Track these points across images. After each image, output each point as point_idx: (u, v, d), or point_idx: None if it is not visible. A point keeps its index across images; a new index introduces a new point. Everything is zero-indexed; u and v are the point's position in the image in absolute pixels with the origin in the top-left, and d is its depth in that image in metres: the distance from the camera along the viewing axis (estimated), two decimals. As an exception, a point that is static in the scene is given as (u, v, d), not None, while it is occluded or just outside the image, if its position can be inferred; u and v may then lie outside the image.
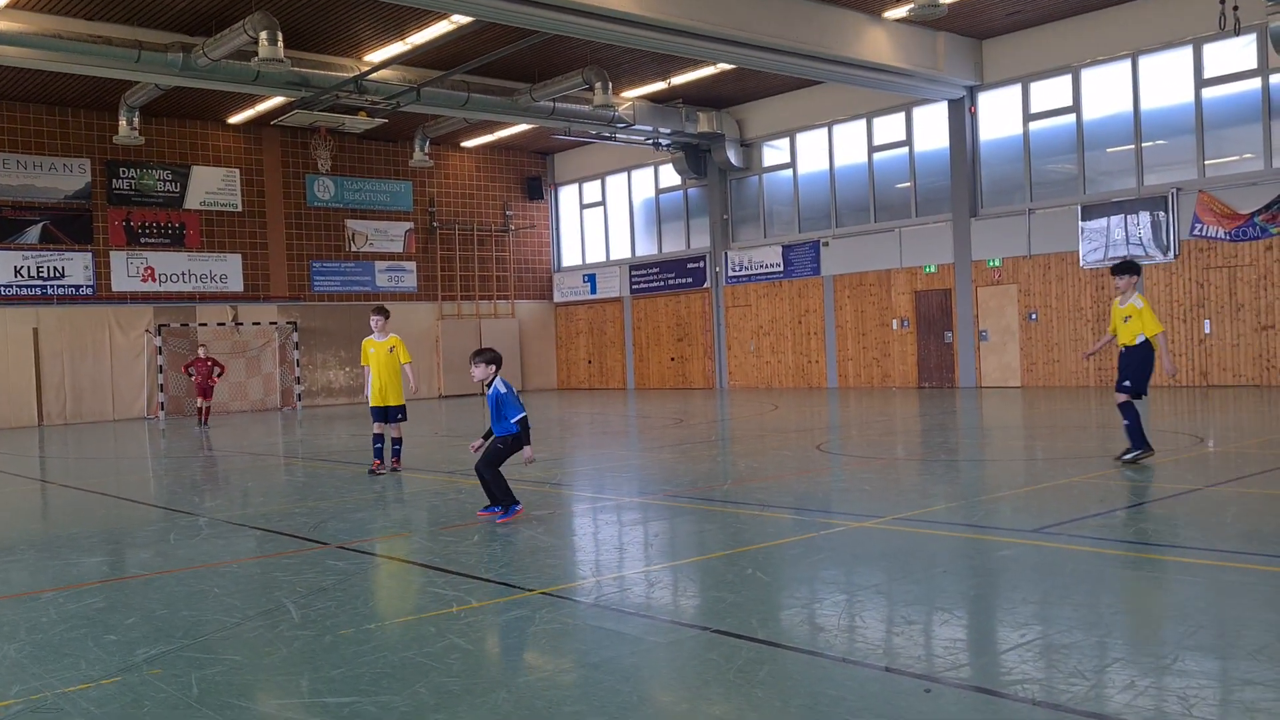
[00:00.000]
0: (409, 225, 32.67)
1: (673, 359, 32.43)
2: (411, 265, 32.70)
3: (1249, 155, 20.96)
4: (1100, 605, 5.28)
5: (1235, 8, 17.01)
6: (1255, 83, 20.65)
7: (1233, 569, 5.92)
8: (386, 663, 4.77)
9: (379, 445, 12.12)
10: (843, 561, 6.62)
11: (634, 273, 33.31)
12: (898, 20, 22.19)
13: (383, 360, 12.02)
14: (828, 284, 27.97)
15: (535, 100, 24.56)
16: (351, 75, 22.24)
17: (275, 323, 29.63)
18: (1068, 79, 23.28)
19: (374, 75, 22.50)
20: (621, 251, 34.13)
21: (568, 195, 35.80)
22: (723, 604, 5.65)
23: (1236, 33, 18.25)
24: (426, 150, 29.85)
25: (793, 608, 5.55)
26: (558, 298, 36.00)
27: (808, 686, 4.22)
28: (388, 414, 12.06)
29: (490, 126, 30.19)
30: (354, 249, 31.55)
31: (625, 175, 33.67)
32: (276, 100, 25.36)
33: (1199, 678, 4.13)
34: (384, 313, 12.29)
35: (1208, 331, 21.33)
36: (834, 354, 27.92)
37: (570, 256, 35.98)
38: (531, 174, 35.28)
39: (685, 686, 4.39)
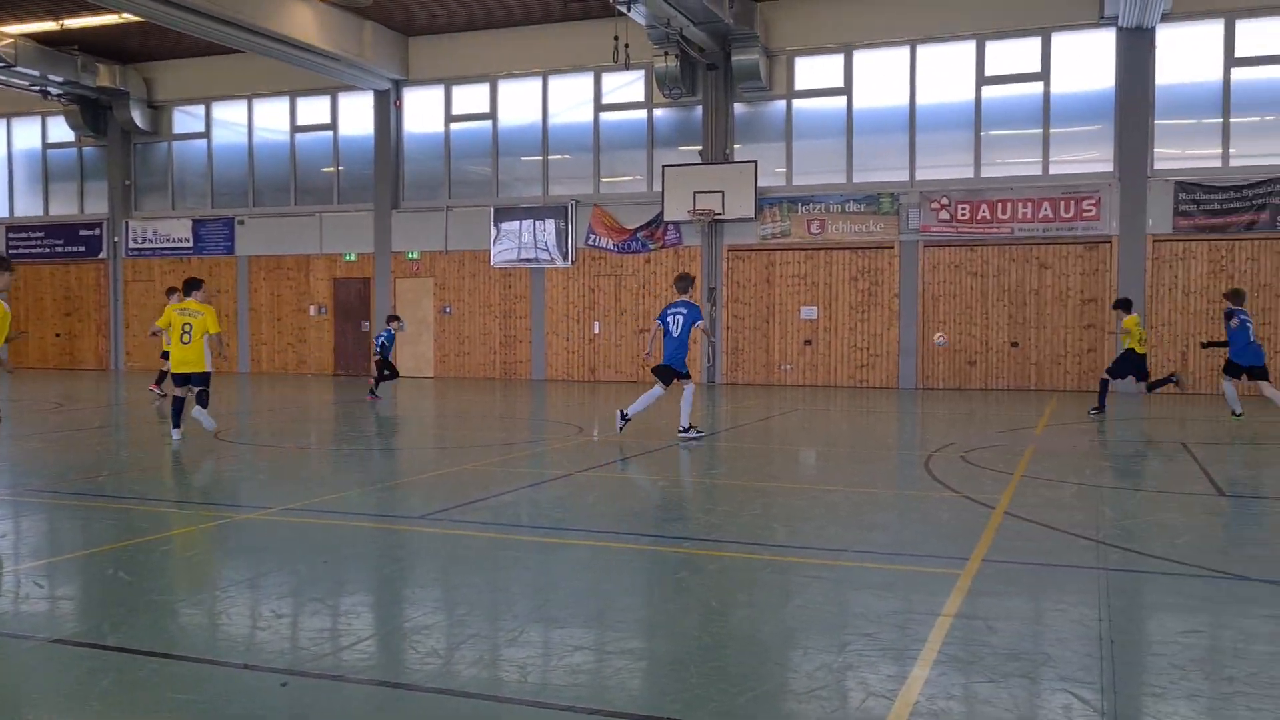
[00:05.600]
0: None
1: (58, 335, 28.90)
2: None
3: (637, 177, 23.69)
4: (466, 586, 5.60)
5: (626, 45, 19.10)
6: (643, 113, 23.39)
7: (583, 546, 6.60)
8: None
9: None
10: (220, 556, 6.33)
11: (12, 235, 29.13)
12: (325, 1, 21.83)
13: None
14: (242, 264, 26.73)
15: (-116, 19, 20.45)
16: None
17: None
18: (486, 87, 24.57)
19: None
20: (-1, 210, 29.71)
21: (-71, 138, 30.33)
22: (71, 610, 5.11)
23: (626, 67, 20.55)
24: None
25: (153, 610, 5.16)
26: (-89, 258, 30.32)
27: (157, 692, 3.94)
28: None
29: None
30: None
31: (4, 122, 29.34)
32: None
33: (538, 647, 4.52)
34: None
35: (597, 332, 23.73)
36: (247, 337, 26.75)
37: (-70, 210, 30.55)
38: (-121, 106, 29.36)
39: None
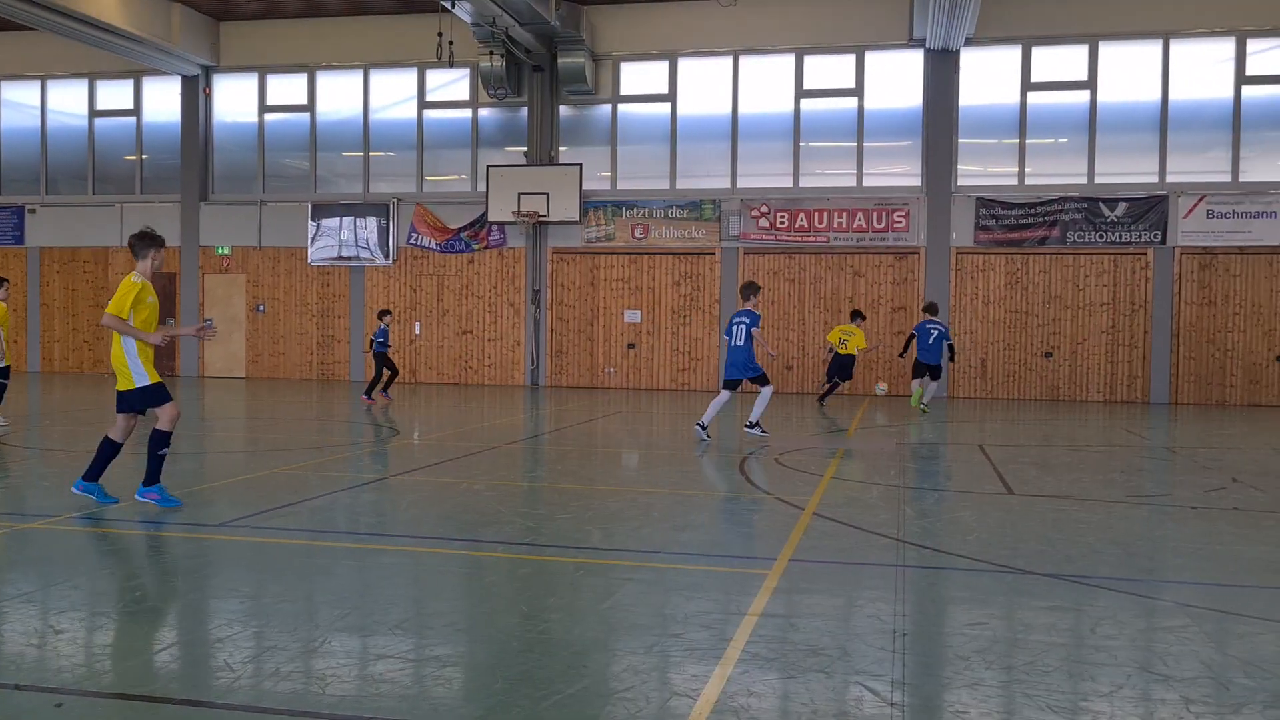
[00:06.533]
0: None
1: None
2: None
3: (462, 176, 23.39)
4: (267, 595, 5.37)
5: (450, 43, 18.85)
6: (467, 112, 23.11)
7: (396, 552, 6.45)
8: None
9: None
10: (-6, 569, 5.87)
11: None
12: (130, -20, 20.66)
13: None
14: (33, 256, 25.00)
15: None
16: None
17: None
18: (304, 78, 23.78)
19: None
20: None
21: None
22: None
23: (451, 65, 20.27)
24: None
25: (-87, 628, 4.74)
26: None
27: (-93, 720, 3.61)
28: None
29: None
30: None
31: None
32: None
33: (341, 658, 4.38)
34: None
35: (418, 333, 23.29)
36: (38, 334, 25.03)
37: None
38: None
39: None
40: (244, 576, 5.79)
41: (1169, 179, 20.34)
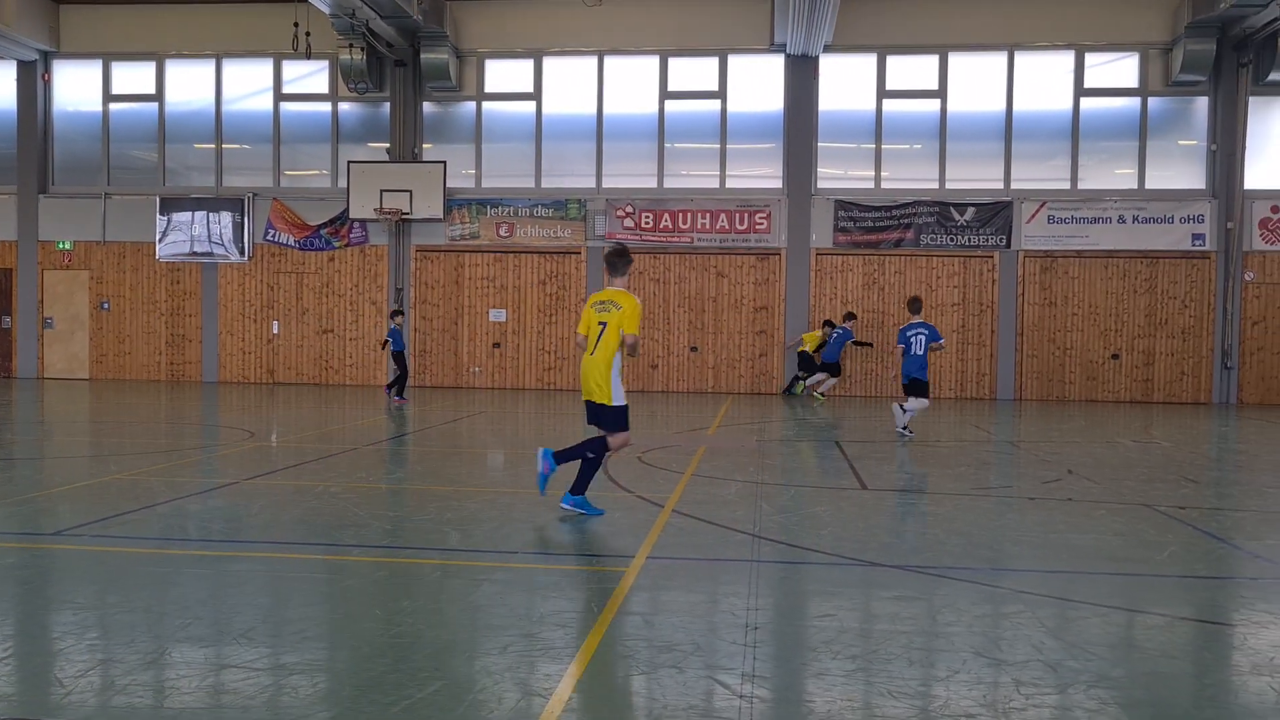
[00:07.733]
0: None
1: None
2: None
3: (322, 172, 22.79)
4: (104, 606, 5.14)
5: (308, 34, 18.37)
6: (327, 106, 22.55)
7: (246, 558, 6.25)
8: None
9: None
10: None
11: None
12: (-41, -42, 19.48)
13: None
14: None
15: None
16: None
17: None
18: (152, 66, 22.82)
19: None
20: None
21: None
22: None
23: (308, 56, 19.77)
24: None
25: None
26: None
27: None
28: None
29: None
30: None
31: None
32: None
33: (180, 669, 4.22)
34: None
35: (276, 332, 22.62)
36: None
37: None
38: None
39: None
40: (80, 587, 5.53)
41: (1014, 185, 21.30)
